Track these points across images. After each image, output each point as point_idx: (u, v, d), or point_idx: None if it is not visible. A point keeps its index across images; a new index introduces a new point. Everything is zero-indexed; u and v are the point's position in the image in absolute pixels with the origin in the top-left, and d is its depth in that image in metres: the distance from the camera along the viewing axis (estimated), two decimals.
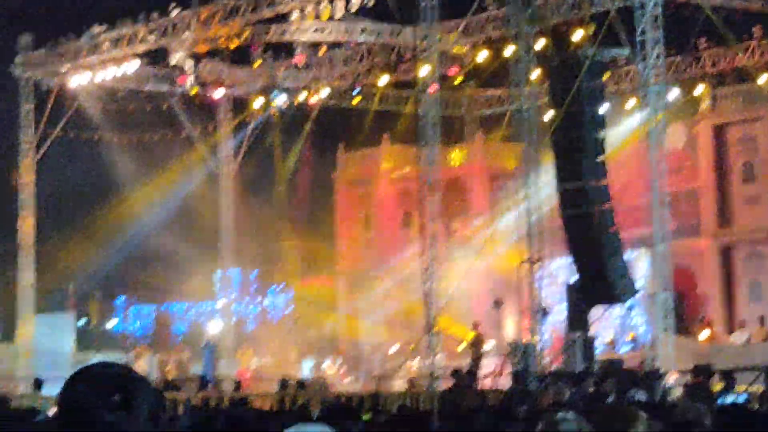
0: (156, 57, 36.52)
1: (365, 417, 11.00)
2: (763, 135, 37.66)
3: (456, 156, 43.44)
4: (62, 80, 37.77)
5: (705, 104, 38.45)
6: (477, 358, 32.22)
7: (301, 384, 29.89)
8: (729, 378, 21.44)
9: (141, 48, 35.56)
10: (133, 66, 36.12)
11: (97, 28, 36.20)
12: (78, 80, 37.27)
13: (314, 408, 20.31)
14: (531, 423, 8.05)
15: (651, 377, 24.81)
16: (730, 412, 9.71)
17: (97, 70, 36.63)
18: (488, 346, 33.79)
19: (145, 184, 42.82)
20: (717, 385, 21.37)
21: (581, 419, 6.06)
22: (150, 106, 39.95)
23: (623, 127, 34.67)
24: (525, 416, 10.33)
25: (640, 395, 19.60)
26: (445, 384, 27.60)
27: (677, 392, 23.21)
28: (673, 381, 25.33)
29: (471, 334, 33.90)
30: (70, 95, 38.13)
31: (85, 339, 41.79)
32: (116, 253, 43.23)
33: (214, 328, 41.94)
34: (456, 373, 26.63)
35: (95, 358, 36.00)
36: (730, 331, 35.45)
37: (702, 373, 22.76)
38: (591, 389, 22.05)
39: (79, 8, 45.11)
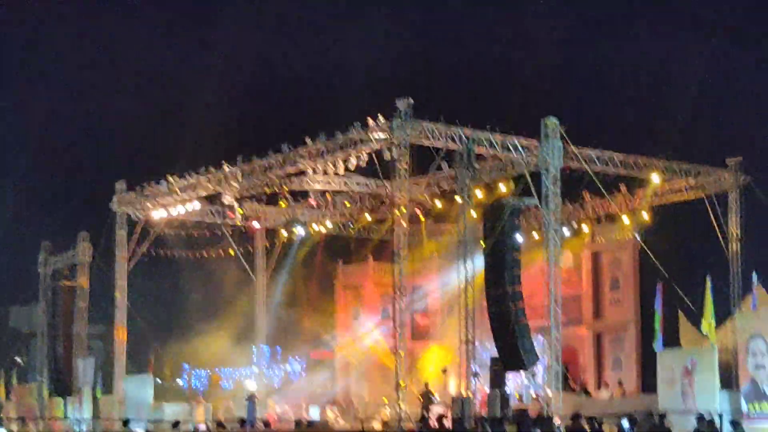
0: (212, 198, 39.21)
1: None
2: (625, 258, 40.45)
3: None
4: (147, 214, 40.37)
5: (587, 238, 41.44)
6: (427, 408, 34.41)
7: (310, 424, 32.08)
8: (597, 421, 23.97)
9: (202, 192, 38.15)
10: (196, 205, 39.00)
11: (171, 178, 38.59)
12: (158, 214, 40.01)
13: None
14: None
15: (546, 421, 26.80)
16: None
17: (171, 207, 39.43)
18: (436, 399, 36.09)
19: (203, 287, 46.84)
20: (588, 427, 23.30)
21: None
22: (208, 233, 43.37)
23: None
24: None
25: None
26: (406, 426, 29.61)
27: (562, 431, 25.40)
28: (559, 423, 27.40)
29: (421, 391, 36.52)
30: (152, 225, 41.11)
31: (160, 392, 43.43)
32: (183, 333, 47.47)
33: (251, 385, 43.91)
34: (422, 419, 28.82)
35: (166, 406, 39.85)
36: (599, 389, 39.03)
37: (578, 418, 24.27)
38: (509, 429, 24.61)
39: (159, 162, 45.94)
